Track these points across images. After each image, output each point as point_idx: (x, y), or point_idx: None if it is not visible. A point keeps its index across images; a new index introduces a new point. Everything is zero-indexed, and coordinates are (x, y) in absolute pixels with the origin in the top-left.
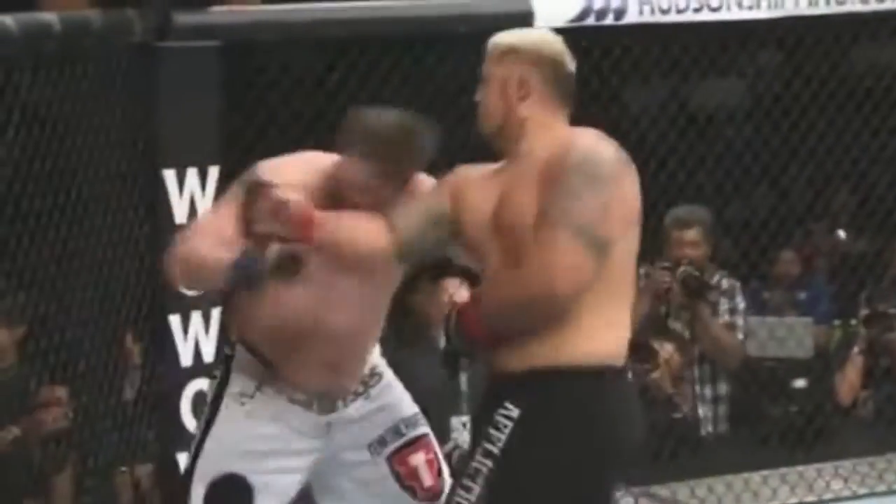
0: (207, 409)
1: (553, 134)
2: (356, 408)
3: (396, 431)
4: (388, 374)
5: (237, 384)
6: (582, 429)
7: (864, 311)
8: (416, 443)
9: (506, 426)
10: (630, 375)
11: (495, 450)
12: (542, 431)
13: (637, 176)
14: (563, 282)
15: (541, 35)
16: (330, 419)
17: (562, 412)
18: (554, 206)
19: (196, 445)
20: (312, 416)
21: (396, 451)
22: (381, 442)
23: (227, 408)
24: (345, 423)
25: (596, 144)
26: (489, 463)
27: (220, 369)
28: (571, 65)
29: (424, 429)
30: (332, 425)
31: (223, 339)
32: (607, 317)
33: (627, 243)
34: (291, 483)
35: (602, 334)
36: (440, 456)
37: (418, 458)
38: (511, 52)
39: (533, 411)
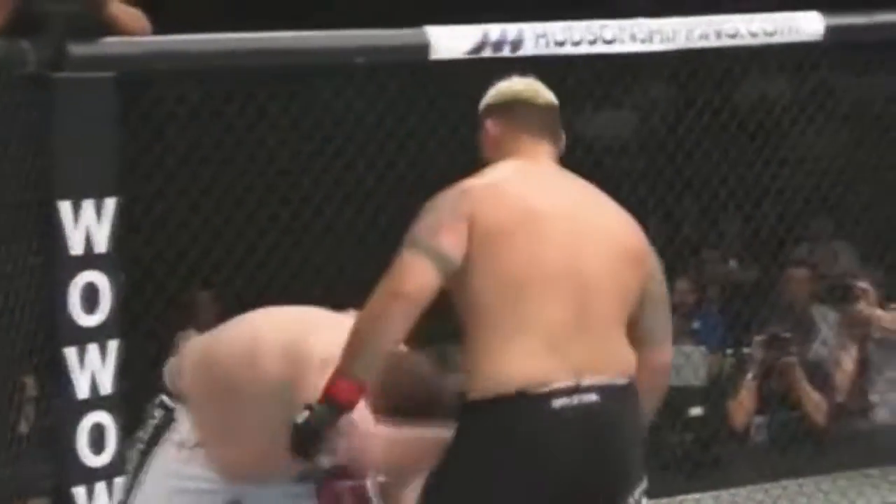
0: (144, 445)
1: None
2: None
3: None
4: None
5: (178, 433)
6: (476, 454)
7: (760, 337)
8: (344, 472)
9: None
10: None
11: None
12: (454, 456)
13: (509, 195)
14: (403, 281)
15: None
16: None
17: (461, 440)
18: None
19: (131, 481)
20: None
21: (321, 479)
22: (305, 475)
23: (166, 450)
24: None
25: (458, 185)
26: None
27: (159, 415)
28: (509, 93)
29: None
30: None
31: (159, 387)
32: (499, 347)
33: (500, 265)
34: None
35: (488, 366)
36: (370, 485)
37: (342, 485)
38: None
39: (455, 439)
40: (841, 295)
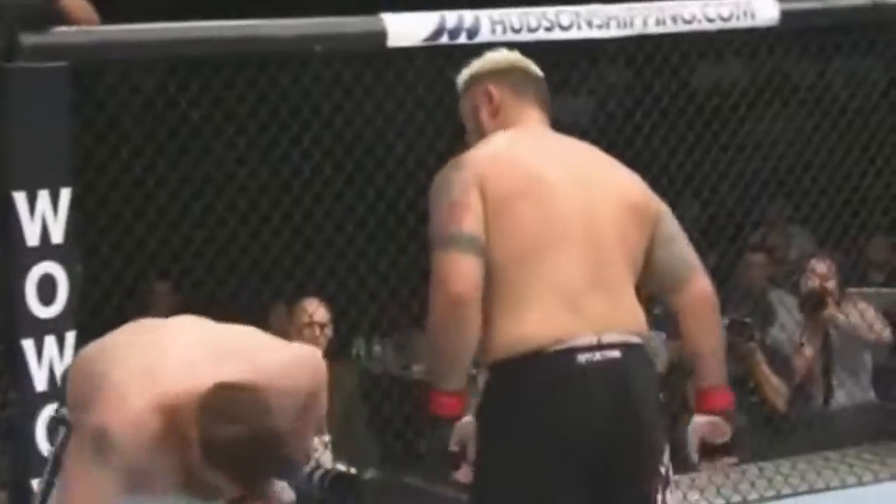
0: (57, 448)
1: None
2: None
3: None
4: None
5: None
6: (503, 414)
7: (724, 320)
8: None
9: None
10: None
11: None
12: (482, 421)
13: (512, 161)
14: (452, 284)
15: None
16: None
17: (487, 403)
18: None
19: (46, 481)
20: None
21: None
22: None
23: None
24: None
25: (454, 160)
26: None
27: (62, 432)
28: (507, 61)
29: None
30: None
31: (58, 396)
32: (519, 308)
33: (515, 216)
34: None
35: (510, 326)
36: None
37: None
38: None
39: (482, 404)
40: (811, 299)
